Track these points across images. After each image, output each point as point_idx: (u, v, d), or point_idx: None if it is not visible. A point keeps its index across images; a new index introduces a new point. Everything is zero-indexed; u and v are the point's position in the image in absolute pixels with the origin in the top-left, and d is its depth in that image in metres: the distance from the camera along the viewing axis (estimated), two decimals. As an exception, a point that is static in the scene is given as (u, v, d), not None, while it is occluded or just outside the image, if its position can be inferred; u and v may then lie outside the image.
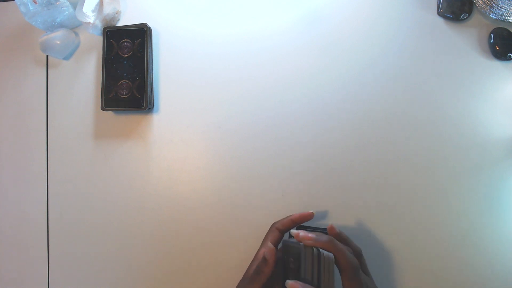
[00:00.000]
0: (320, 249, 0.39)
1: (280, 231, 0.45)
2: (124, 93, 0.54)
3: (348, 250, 0.41)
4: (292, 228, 0.46)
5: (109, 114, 0.57)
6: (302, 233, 0.39)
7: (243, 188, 0.53)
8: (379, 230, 0.50)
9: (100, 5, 0.55)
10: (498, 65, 0.51)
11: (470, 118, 0.51)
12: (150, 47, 0.55)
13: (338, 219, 0.51)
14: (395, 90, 0.52)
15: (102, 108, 0.54)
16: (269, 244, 0.43)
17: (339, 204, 0.51)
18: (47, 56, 0.59)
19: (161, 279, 0.53)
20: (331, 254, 0.38)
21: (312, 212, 0.46)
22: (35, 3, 0.54)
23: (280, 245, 0.45)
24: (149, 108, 0.55)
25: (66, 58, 0.58)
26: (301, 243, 0.39)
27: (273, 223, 0.46)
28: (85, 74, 0.58)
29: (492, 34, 0.51)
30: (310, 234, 0.39)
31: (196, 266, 0.53)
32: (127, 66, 0.55)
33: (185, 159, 0.54)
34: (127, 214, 0.55)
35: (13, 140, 0.58)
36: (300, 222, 0.46)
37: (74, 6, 0.55)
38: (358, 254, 0.43)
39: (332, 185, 0.52)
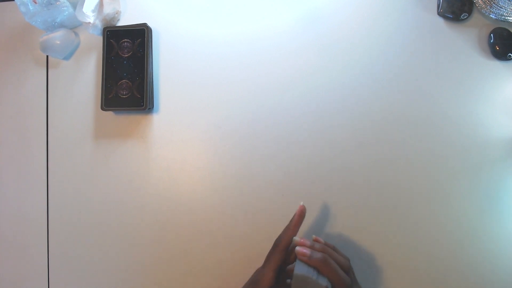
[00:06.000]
0: (313, 278, 0.38)
1: (285, 251, 0.43)
2: (124, 93, 0.54)
3: (342, 260, 0.41)
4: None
5: (109, 114, 0.57)
6: (298, 248, 0.40)
7: (242, 188, 0.53)
8: (379, 230, 0.50)
9: (100, 5, 0.55)
10: (498, 65, 0.51)
11: (470, 118, 0.51)
12: (150, 47, 0.55)
13: (338, 219, 0.51)
14: (395, 90, 0.52)
15: (102, 108, 0.54)
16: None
17: (339, 204, 0.51)
18: (47, 56, 0.59)
19: (161, 279, 0.53)
20: (323, 284, 0.37)
21: (301, 205, 0.44)
22: (35, 3, 0.54)
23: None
24: (149, 108, 0.55)
25: (66, 58, 0.58)
26: (297, 267, 0.38)
27: (277, 242, 0.43)
28: (85, 74, 0.58)
29: (492, 34, 0.51)
30: (305, 250, 0.39)
31: (196, 266, 0.53)
32: (127, 66, 0.54)
33: (185, 159, 0.54)
34: (127, 214, 0.55)
35: (13, 140, 0.58)
36: (298, 226, 0.43)
37: (74, 6, 0.55)
38: (347, 267, 0.41)
39: (332, 185, 0.52)
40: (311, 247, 0.41)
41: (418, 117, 0.51)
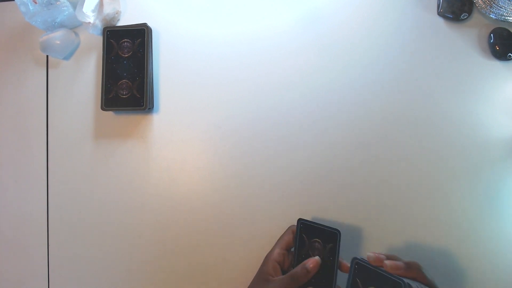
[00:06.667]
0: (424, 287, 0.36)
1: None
2: (124, 93, 0.54)
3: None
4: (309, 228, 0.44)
5: (109, 114, 0.57)
6: (389, 262, 0.37)
7: (243, 188, 0.53)
8: (379, 230, 0.50)
9: (100, 5, 0.55)
10: (498, 65, 0.51)
11: (470, 118, 0.51)
12: (150, 47, 0.55)
13: (338, 219, 0.51)
14: (395, 90, 0.52)
15: (102, 108, 0.54)
16: (317, 258, 0.42)
17: (339, 204, 0.51)
18: (47, 56, 0.59)
19: (161, 279, 0.53)
20: None
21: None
22: (35, 3, 0.54)
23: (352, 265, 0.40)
24: (149, 108, 0.55)
25: (66, 58, 0.58)
26: (402, 280, 0.35)
27: (290, 226, 0.47)
28: (85, 74, 0.58)
29: (492, 34, 0.51)
30: (396, 263, 0.37)
31: (196, 266, 0.53)
32: (127, 66, 0.54)
33: (185, 159, 0.54)
34: (127, 214, 0.55)
35: (13, 140, 0.58)
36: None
37: (74, 6, 0.55)
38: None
39: (332, 185, 0.52)
40: (391, 259, 0.38)
41: (418, 117, 0.51)
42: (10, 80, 0.59)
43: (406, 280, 0.35)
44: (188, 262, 0.53)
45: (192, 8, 0.57)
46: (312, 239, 0.44)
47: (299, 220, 0.45)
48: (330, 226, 0.43)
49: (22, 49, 0.60)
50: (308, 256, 0.43)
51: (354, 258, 0.39)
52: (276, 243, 0.46)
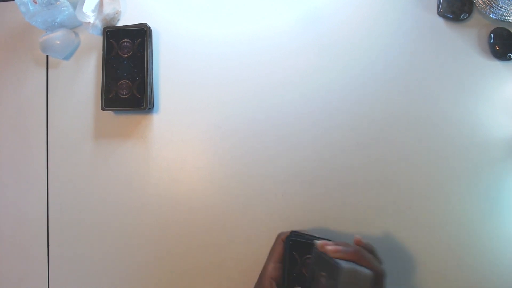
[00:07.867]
0: (358, 267, 0.36)
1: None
2: (124, 93, 0.54)
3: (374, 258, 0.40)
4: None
5: (109, 114, 0.57)
6: (330, 246, 0.38)
7: (243, 188, 0.53)
8: (378, 230, 0.50)
9: (100, 5, 0.55)
10: (498, 65, 0.51)
11: (470, 118, 0.51)
12: (150, 47, 0.55)
13: (337, 219, 0.51)
14: (395, 90, 0.52)
15: (102, 108, 0.54)
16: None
17: (338, 204, 0.51)
18: (47, 56, 0.59)
19: (161, 279, 0.53)
20: (368, 272, 0.36)
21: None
22: (35, 3, 0.54)
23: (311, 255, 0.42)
24: (149, 108, 0.55)
25: (66, 58, 0.58)
26: (339, 263, 0.36)
27: (279, 234, 0.45)
28: (85, 74, 0.58)
29: (492, 34, 0.51)
30: (335, 246, 0.38)
31: (196, 266, 0.53)
32: (127, 66, 0.54)
33: (185, 159, 0.54)
34: (127, 214, 0.55)
35: (13, 140, 0.58)
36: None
37: (74, 6, 0.55)
38: (379, 259, 0.41)
39: (331, 185, 0.52)
40: (336, 245, 0.39)
41: (418, 117, 0.51)
42: (10, 80, 0.59)
43: (342, 262, 0.36)
44: (188, 262, 0.53)
45: (192, 8, 0.57)
46: (305, 256, 0.42)
47: (288, 237, 0.43)
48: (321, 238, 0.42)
49: (22, 49, 0.60)
50: (301, 274, 0.41)
51: (314, 249, 0.40)
52: (269, 257, 0.44)
